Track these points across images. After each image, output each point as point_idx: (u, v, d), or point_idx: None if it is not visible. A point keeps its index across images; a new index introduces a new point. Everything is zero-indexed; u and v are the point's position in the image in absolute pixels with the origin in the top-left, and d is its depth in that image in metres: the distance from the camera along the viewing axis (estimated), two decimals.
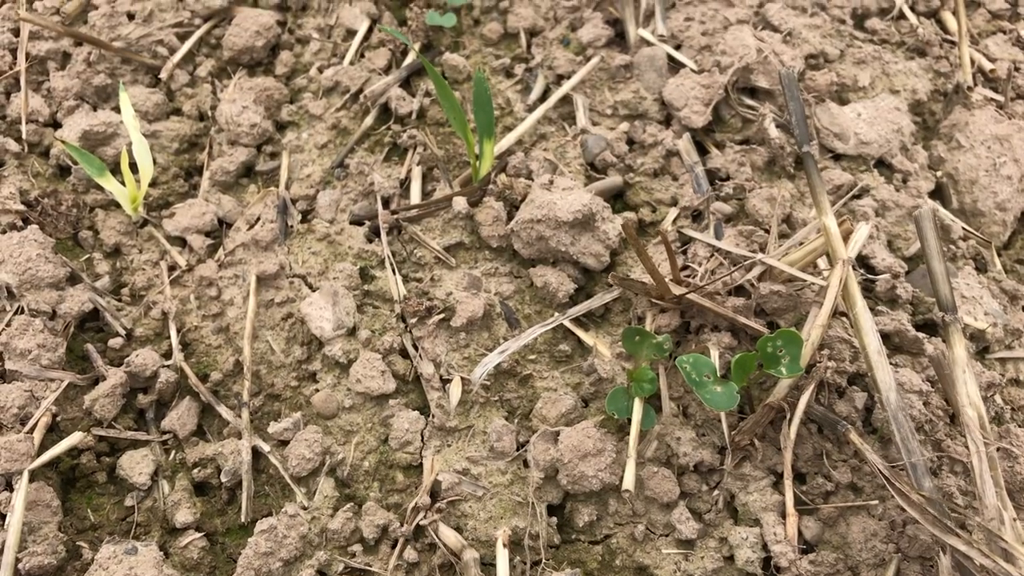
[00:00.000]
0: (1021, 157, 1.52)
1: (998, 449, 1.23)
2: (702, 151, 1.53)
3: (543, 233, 1.34)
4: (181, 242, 1.48)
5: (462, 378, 1.30)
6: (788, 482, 1.17)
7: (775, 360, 1.14)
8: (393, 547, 1.20)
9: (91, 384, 1.33)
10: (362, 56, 1.64)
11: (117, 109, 1.56)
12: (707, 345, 1.26)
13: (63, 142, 1.42)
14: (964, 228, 1.49)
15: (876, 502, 1.17)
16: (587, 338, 1.33)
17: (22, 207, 1.43)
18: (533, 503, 1.21)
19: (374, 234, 1.45)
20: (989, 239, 1.50)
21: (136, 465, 1.28)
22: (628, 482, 1.16)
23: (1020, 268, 1.51)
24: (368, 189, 1.48)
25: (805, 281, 1.24)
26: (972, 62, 1.66)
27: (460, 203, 1.42)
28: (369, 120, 1.56)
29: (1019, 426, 1.29)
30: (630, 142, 1.53)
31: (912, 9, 1.74)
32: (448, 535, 1.19)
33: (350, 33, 1.66)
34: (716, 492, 1.21)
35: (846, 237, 1.21)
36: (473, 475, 1.23)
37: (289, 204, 1.49)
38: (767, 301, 1.26)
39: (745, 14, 1.60)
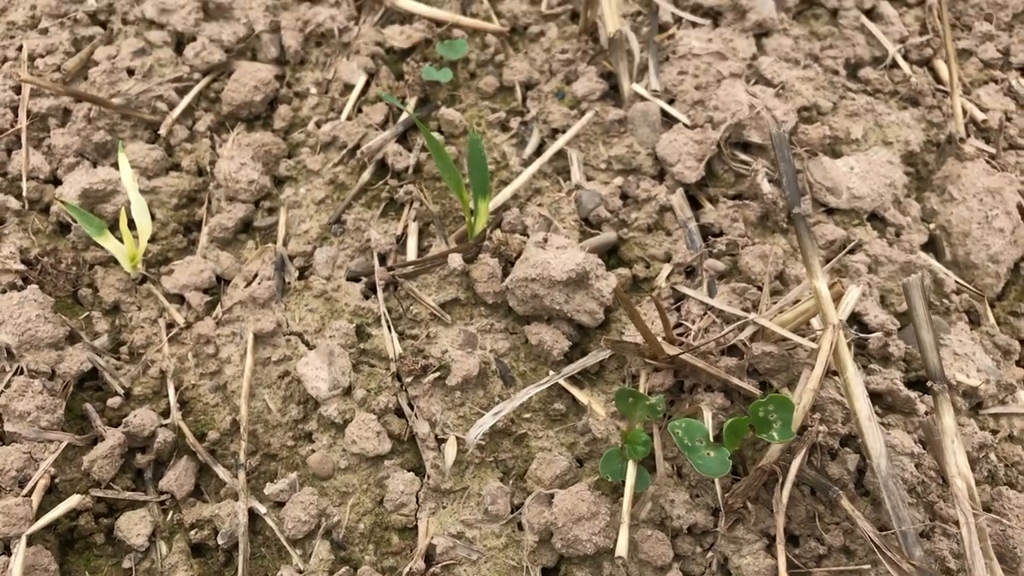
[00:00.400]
0: (1013, 209, 1.53)
1: (989, 509, 1.24)
2: (695, 205, 1.54)
3: (537, 292, 1.35)
4: (180, 299, 1.49)
5: (457, 438, 1.30)
6: (780, 547, 1.18)
7: (767, 425, 1.15)
8: None
9: (90, 444, 1.34)
10: (359, 111, 1.66)
11: (117, 165, 1.58)
12: (700, 406, 1.26)
13: (62, 202, 1.44)
14: (957, 281, 1.50)
15: (868, 566, 1.17)
16: (582, 396, 1.34)
17: (22, 266, 1.45)
18: (527, 567, 1.22)
19: (370, 291, 1.47)
20: (982, 291, 1.51)
21: (134, 526, 1.29)
22: (621, 548, 1.16)
23: (1013, 320, 1.51)
24: (365, 245, 1.49)
25: (797, 342, 1.25)
26: (964, 112, 1.67)
27: (456, 260, 1.43)
28: (366, 175, 1.58)
29: (1012, 486, 1.29)
30: (624, 196, 1.54)
31: (905, 58, 1.75)
32: None
33: (348, 87, 1.68)
34: (710, 554, 1.22)
35: (837, 299, 1.21)
36: (468, 539, 1.24)
37: (286, 261, 1.50)
38: (760, 361, 1.27)
39: (738, 67, 1.62)
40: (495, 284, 1.41)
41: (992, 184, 1.53)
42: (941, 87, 1.71)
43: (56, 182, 1.58)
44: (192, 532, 1.29)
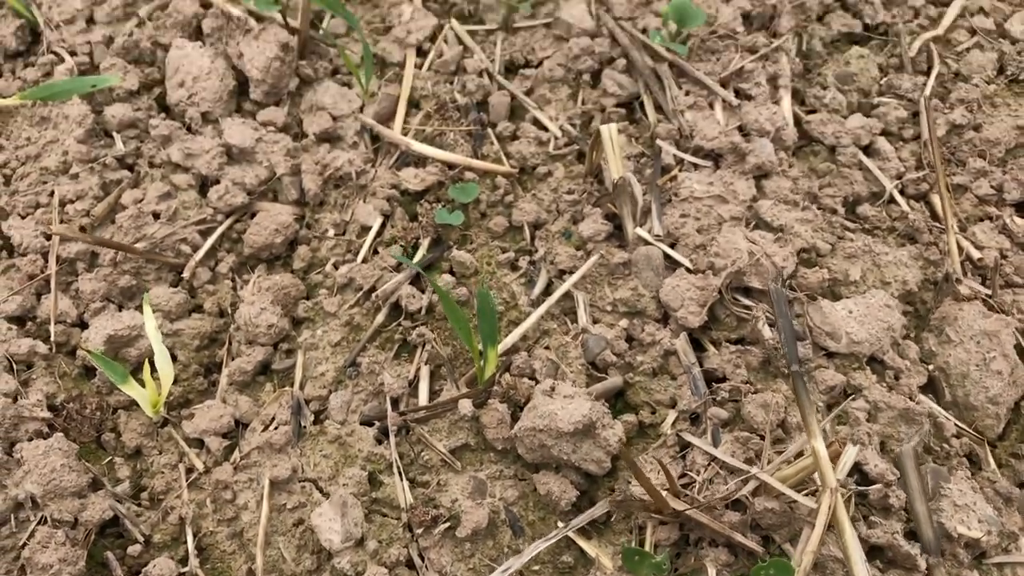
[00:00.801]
0: (1010, 351, 1.56)
1: None
2: (699, 347, 1.58)
3: (545, 441, 1.39)
4: (199, 443, 1.54)
5: None
6: None
7: None
8: None
9: None
10: (375, 252, 1.73)
11: (141, 308, 1.65)
12: (705, 562, 1.29)
13: (88, 351, 1.50)
14: (957, 425, 1.53)
15: None
16: (590, 548, 1.37)
17: (48, 414, 1.51)
18: None
19: (383, 435, 1.51)
20: (982, 434, 1.54)
21: None
22: None
23: (1015, 462, 1.54)
24: (378, 389, 1.54)
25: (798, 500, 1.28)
26: (960, 250, 1.72)
27: (466, 406, 1.48)
28: (380, 317, 1.64)
29: None
30: (629, 339, 1.59)
31: (902, 193, 1.81)
32: None
33: (364, 229, 1.75)
34: None
35: (835, 459, 1.25)
36: None
37: (303, 405, 1.55)
38: (762, 517, 1.30)
39: (739, 211, 1.68)
40: (504, 430, 1.45)
41: (989, 327, 1.57)
42: (938, 224, 1.76)
43: (83, 325, 1.65)
44: None
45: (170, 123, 1.83)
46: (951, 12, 2.03)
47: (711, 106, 1.85)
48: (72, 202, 1.74)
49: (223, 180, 1.78)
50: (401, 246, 1.72)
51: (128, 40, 1.94)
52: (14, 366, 1.57)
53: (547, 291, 1.67)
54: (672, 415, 1.49)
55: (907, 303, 1.65)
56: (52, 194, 1.76)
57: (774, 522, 1.30)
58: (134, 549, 1.42)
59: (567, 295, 1.64)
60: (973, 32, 2.01)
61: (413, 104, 1.93)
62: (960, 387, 1.56)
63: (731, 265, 1.57)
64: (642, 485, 1.27)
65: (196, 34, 1.98)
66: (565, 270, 1.67)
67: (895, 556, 1.32)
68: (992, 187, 1.80)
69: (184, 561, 1.42)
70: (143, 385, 1.52)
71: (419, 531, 1.38)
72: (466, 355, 1.59)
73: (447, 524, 1.38)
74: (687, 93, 1.86)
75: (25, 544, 1.37)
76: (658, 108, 1.87)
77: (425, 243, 1.72)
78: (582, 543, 1.38)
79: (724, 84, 1.87)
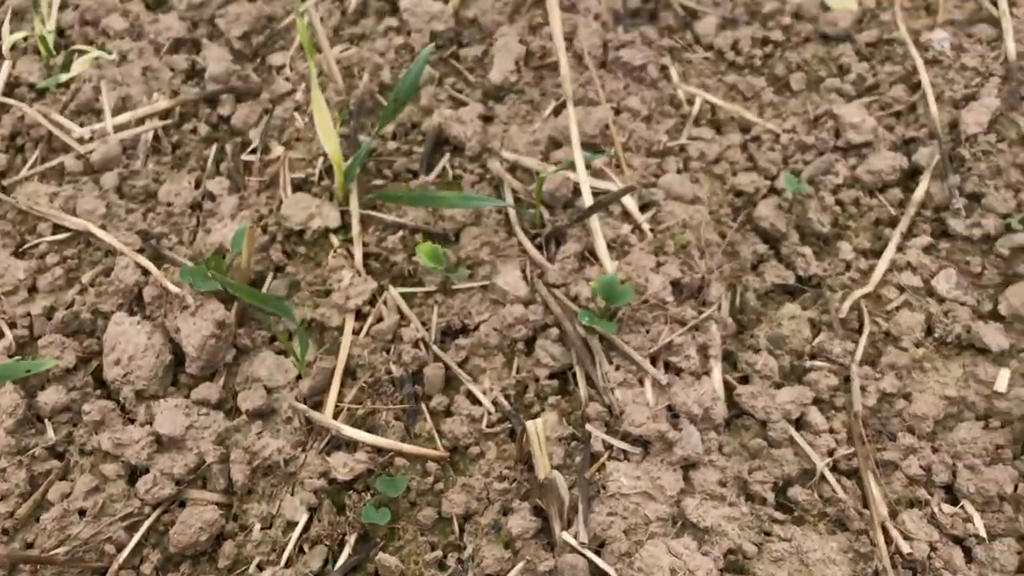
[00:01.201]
0: None
1: None
2: None
3: None
4: None
5: None
6: None
7: None
8: None
9: None
10: (301, 550, 1.71)
11: None
12: None
13: None
14: None
15: None
16: None
17: None
18: None
19: None
20: None
21: None
22: None
23: None
24: None
25: None
26: (889, 541, 1.71)
27: None
28: None
29: None
30: None
31: (834, 469, 1.81)
32: None
33: (291, 525, 1.74)
34: None
35: None
36: None
37: None
38: None
39: (665, 511, 1.67)
40: None
41: None
42: (867, 510, 1.76)
43: None
44: None
45: (104, 404, 1.84)
46: (880, 267, 2.07)
47: (641, 383, 1.86)
48: None
49: (152, 469, 1.77)
50: (326, 545, 1.70)
51: (68, 313, 1.96)
52: None
53: None
54: None
55: None
56: None
57: None
58: None
59: None
60: (902, 289, 2.04)
61: (349, 373, 1.94)
62: None
63: None
64: None
65: (137, 302, 2.00)
66: (491, 575, 1.65)
67: None
68: (921, 467, 1.81)
69: None
70: None
71: None
72: None
73: None
74: (617, 368, 1.88)
75: None
76: (589, 381, 1.89)
77: (351, 540, 1.71)
78: None
79: (654, 360, 1.89)
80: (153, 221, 2.16)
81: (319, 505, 1.76)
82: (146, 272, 2.00)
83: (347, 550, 1.70)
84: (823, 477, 1.80)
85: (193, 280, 1.88)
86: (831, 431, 1.86)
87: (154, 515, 1.76)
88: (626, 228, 2.04)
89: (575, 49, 2.39)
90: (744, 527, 1.69)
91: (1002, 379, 1.87)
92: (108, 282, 2.01)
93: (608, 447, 1.79)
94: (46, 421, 1.83)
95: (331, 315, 2.00)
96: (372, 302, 2.03)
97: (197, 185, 2.27)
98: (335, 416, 1.85)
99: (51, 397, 1.84)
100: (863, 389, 1.88)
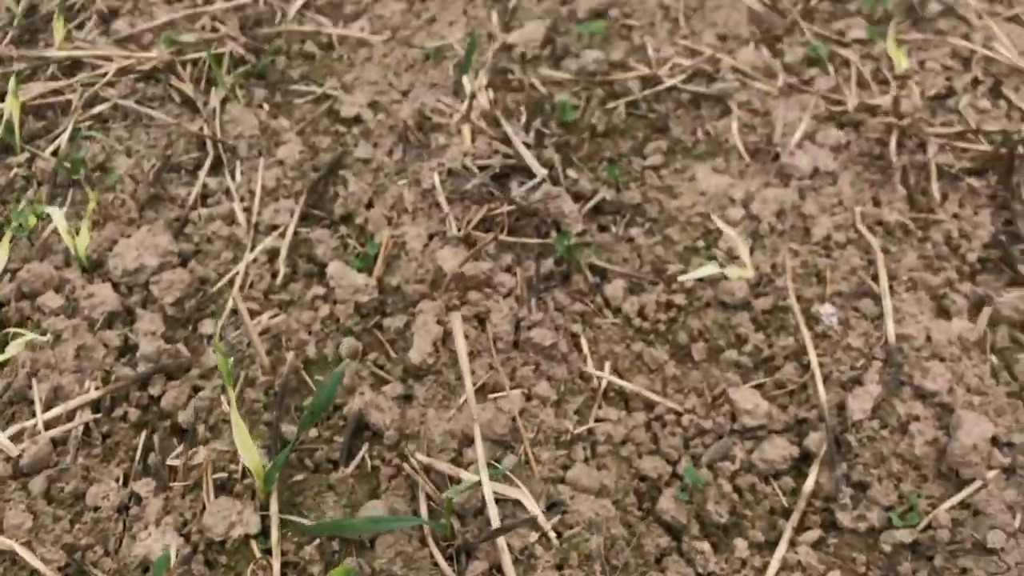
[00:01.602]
0: None
1: None
2: None
3: None
4: None
5: None
6: None
7: None
8: None
9: None
10: None
11: None
12: None
13: None
14: None
15: None
16: None
17: None
18: None
19: None
20: None
21: None
22: None
23: None
24: None
25: None
26: None
27: None
28: None
29: None
30: None
31: None
32: None
33: None
34: None
35: None
36: None
37: None
38: None
39: None
40: None
41: None
42: None
43: None
44: None
45: None
46: (773, 566, 2.19)
47: None
48: None
49: None
50: None
51: None
52: None
53: None
54: None
55: None
56: None
57: None
58: None
59: None
60: None
61: None
62: None
63: None
64: None
65: None
66: None
67: None
68: None
69: None
70: None
71: None
72: None
73: None
74: None
75: None
76: None
77: None
78: None
79: None
80: (79, 531, 2.24)
81: None
82: None
83: None
84: None
85: None
86: None
87: None
88: (533, 536, 2.16)
89: (489, 333, 2.53)
90: None
91: None
92: None
93: None
94: None
95: None
96: None
97: (125, 482, 2.35)
98: None
99: None
100: None
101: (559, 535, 2.18)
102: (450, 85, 3.37)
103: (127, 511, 2.30)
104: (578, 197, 2.99)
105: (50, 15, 3.78)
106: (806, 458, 2.36)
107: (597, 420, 2.44)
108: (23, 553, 2.15)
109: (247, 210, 3.02)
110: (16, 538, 2.19)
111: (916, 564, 2.14)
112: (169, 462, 2.37)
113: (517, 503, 2.18)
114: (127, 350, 2.65)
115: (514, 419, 2.35)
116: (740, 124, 3.13)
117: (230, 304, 2.74)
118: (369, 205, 3.00)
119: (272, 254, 2.88)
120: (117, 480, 2.35)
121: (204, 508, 2.27)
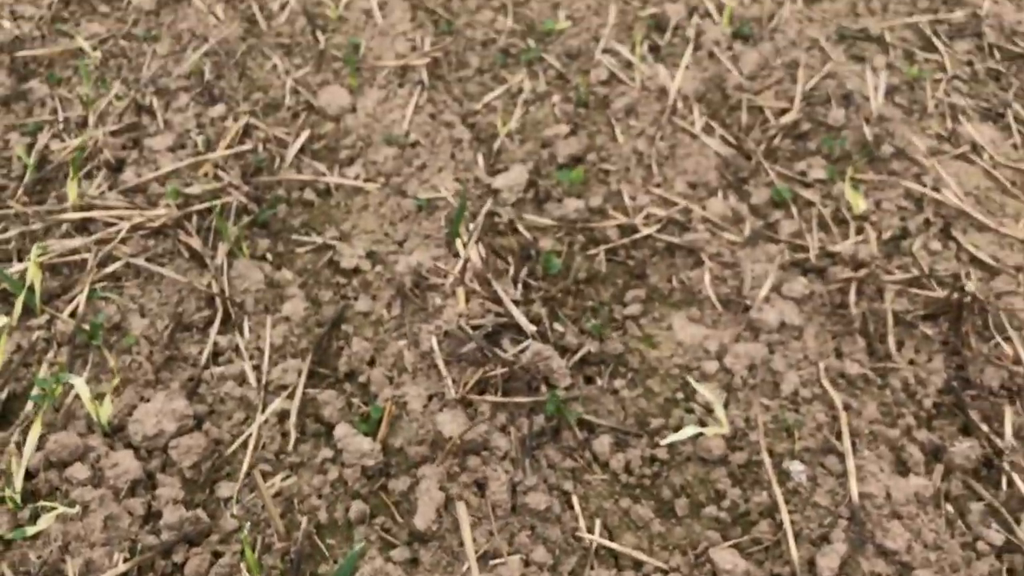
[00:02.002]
0: None
1: None
2: None
3: None
4: None
5: None
6: None
7: None
8: None
9: None
10: None
11: None
12: None
13: None
14: None
15: None
16: None
17: None
18: None
19: None
20: None
21: None
22: None
23: None
24: None
25: None
26: None
27: None
28: None
29: None
30: None
31: None
32: None
33: None
34: None
35: None
36: None
37: None
38: None
39: None
40: None
41: None
42: None
43: None
44: None
45: None
46: None
47: None
48: None
49: None
50: None
51: None
52: None
53: None
54: None
55: None
56: None
57: None
58: None
59: None
60: None
61: None
62: None
63: None
64: None
65: None
66: None
67: None
68: None
69: None
70: None
71: None
72: None
73: None
74: None
75: None
76: None
77: None
78: None
79: None
80: None
81: None
82: None
83: None
84: None
85: None
86: None
87: None
88: None
89: (488, 500, 2.75)
90: None
91: None
92: None
93: None
94: None
95: None
96: None
97: None
98: None
99: None
100: None
101: None
102: (443, 236, 3.62)
103: None
104: (564, 351, 3.23)
105: (60, 165, 4.00)
106: None
107: None
108: None
109: (257, 368, 3.23)
110: None
111: None
112: None
113: None
114: (150, 517, 2.85)
115: None
116: (712, 276, 3.39)
117: (245, 466, 2.95)
118: (371, 363, 3.22)
119: (282, 416, 3.09)
120: None
121: None
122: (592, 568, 2.69)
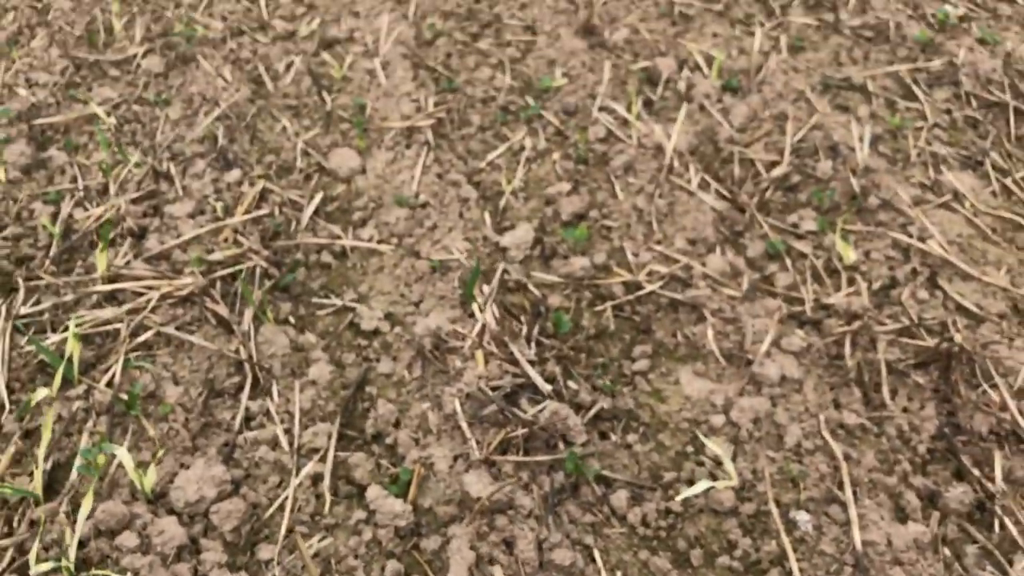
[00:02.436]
0: None
1: None
2: None
3: None
4: None
5: None
6: None
7: None
8: None
9: None
10: None
11: None
12: None
13: None
14: None
15: None
16: None
17: None
18: None
19: None
20: None
21: None
22: None
23: None
24: None
25: None
26: None
27: None
28: None
29: None
30: None
31: None
32: None
33: None
34: None
35: None
36: None
37: None
38: None
39: None
40: None
41: None
42: None
43: None
44: None
45: None
46: None
47: None
48: None
49: None
50: None
51: None
52: None
53: None
54: None
55: None
56: None
57: None
58: None
59: None
60: None
61: None
62: None
63: None
64: None
65: None
66: None
67: None
68: None
69: None
70: None
71: None
72: None
73: None
74: None
75: None
76: None
77: None
78: None
79: None
80: None
81: None
82: None
83: None
84: None
85: None
86: None
87: None
88: None
89: (515, 557, 2.93)
90: None
91: None
92: None
93: None
94: None
95: None
96: None
97: None
98: None
99: None
100: None
101: None
102: (457, 297, 3.81)
103: None
104: (579, 407, 3.42)
105: (85, 234, 4.17)
106: None
107: None
108: None
109: (288, 431, 3.41)
110: None
111: None
112: None
113: None
114: None
115: None
116: (715, 331, 3.60)
117: (283, 529, 3.12)
118: (397, 424, 3.40)
119: (315, 478, 3.26)
120: None
121: None
122: None
